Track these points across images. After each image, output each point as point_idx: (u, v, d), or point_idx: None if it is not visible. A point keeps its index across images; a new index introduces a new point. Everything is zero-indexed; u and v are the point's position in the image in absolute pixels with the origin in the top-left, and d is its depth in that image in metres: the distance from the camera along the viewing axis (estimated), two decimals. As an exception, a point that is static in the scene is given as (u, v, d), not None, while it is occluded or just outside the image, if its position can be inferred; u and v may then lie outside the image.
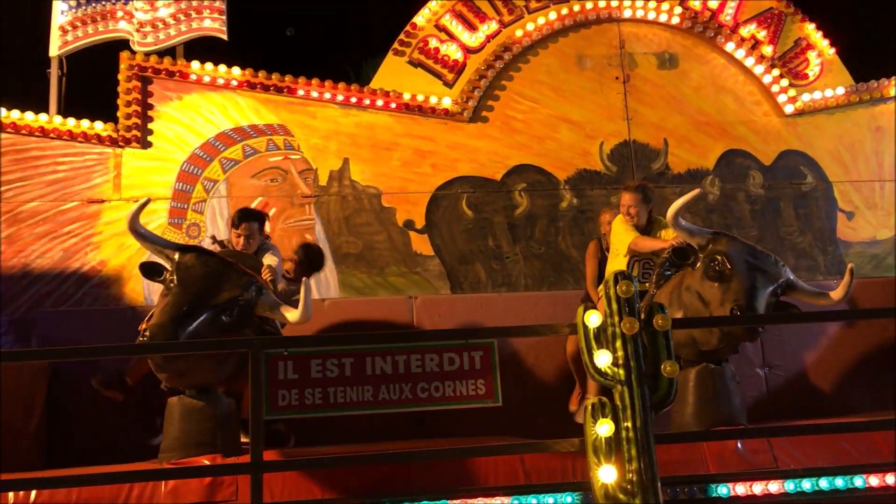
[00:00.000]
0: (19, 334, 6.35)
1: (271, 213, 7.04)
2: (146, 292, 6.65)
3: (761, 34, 7.89)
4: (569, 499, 3.47)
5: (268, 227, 5.60)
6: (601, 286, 4.48)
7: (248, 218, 5.00)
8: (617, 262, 5.11)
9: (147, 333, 3.71)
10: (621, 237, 5.10)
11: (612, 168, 7.46)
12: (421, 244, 7.18)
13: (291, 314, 4.03)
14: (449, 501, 3.47)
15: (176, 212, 6.90)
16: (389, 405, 3.32)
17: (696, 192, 4.71)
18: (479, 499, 3.51)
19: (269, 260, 4.73)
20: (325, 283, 6.95)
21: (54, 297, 6.55)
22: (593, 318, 3.34)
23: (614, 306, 3.33)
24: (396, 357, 3.31)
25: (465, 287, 7.07)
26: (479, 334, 3.48)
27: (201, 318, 3.79)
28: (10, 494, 3.40)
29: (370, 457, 3.65)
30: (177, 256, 4.03)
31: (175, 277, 3.93)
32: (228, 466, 3.56)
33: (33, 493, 3.41)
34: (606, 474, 3.19)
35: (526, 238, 7.27)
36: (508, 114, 7.51)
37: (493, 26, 7.65)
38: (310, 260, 5.39)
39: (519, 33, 7.60)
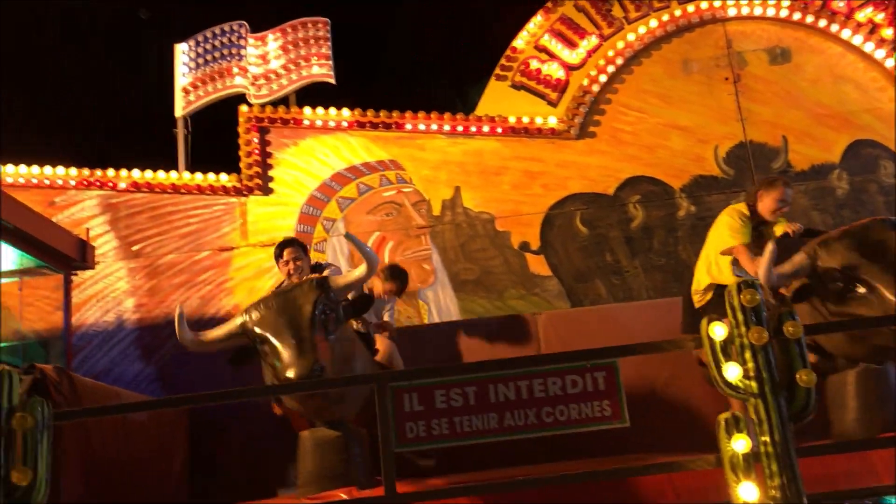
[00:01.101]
0: (166, 381, 6.75)
1: (389, 246, 7.21)
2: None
3: (879, 17, 7.47)
4: None
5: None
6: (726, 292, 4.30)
7: (288, 244, 4.95)
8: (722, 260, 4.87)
9: (290, 376, 3.70)
10: (730, 235, 4.80)
11: (729, 171, 7.23)
12: (538, 265, 7.17)
13: (359, 269, 4.05)
14: None
15: (299, 253, 7.17)
16: (515, 431, 3.31)
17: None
18: None
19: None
20: (447, 310, 7.04)
21: (194, 342, 6.91)
22: (718, 330, 3.22)
23: (740, 316, 3.21)
24: (519, 383, 3.29)
25: (585, 304, 6.98)
26: (599, 355, 3.43)
27: (311, 337, 3.84)
28: None
29: (507, 484, 3.64)
30: (242, 323, 4.00)
31: (259, 334, 3.90)
32: (364, 500, 3.64)
33: None
34: (747, 492, 3.06)
35: (644, 250, 7.13)
36: (616, 126, 7.42)
37: (593, 41, 7.60)
38: (400, 279, 5.43)
39: (620, 45, 7.52)
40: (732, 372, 3.16)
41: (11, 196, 5.24)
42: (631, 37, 7.52)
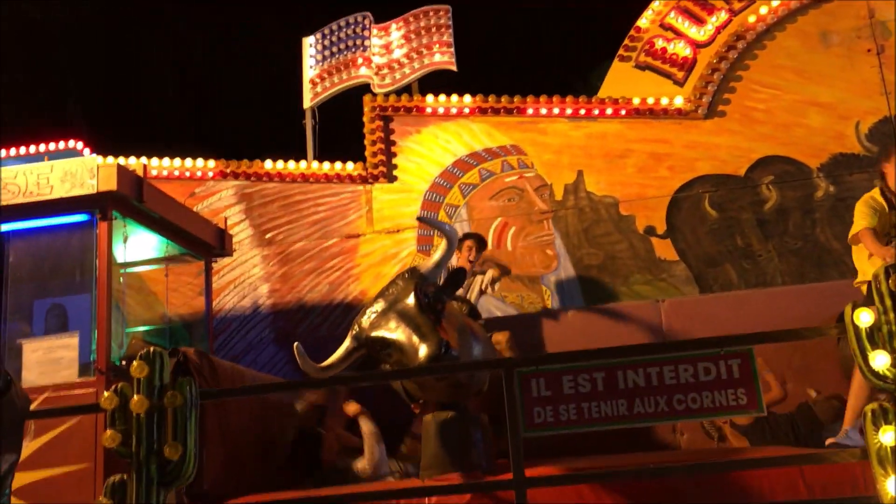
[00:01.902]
0: (297, 365, 7.00)
1: (511, 231, 7.22)
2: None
3: None
4: None
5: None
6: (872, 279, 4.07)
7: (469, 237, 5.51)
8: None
9: (423, 361, 3.79)
10: (856, 221, 4.58)
11: (872, 149, 6.79)
12: (664, 249, 6.99)
13: (440, 247, 4.14)
14: None
15: (423, 239, 7.29)
16: (645, 418, 3.26)
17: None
18: None
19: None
20: (570, 296, 6.98)
21: (325, 326, 7.18)
22: (864, 317, 3.06)
23: (888, 302, 3.04)
24: (649, 369, 3.24)
25: (715, 290, 6.76)
26: (734, 342, 3.33)
27: (426, 322, 3.83)
28: None
29: (634, 471, 3.60)
30: (356, 332, 4.06)
31: (376, 338, 3.96)
32: (493, 483, 3.69)
33: None
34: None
35: (779, 233, 6.82)
36: (747, 105, 7.11)
37: (722, 16, 7.31)
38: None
39: (752, 19, 7.19)
40: (880, 360, 3.00)
41: (157, 187, 5.57)
42: (763, 10, 7.18)
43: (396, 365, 3.96)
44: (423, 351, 3.68)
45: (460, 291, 5.22)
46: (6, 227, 5.08)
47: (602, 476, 3.62)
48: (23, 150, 8.89)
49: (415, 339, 3.77)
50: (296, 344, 4.14)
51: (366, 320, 4.04)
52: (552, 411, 3.27)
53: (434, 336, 3.73)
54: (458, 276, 4.30)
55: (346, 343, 4.12)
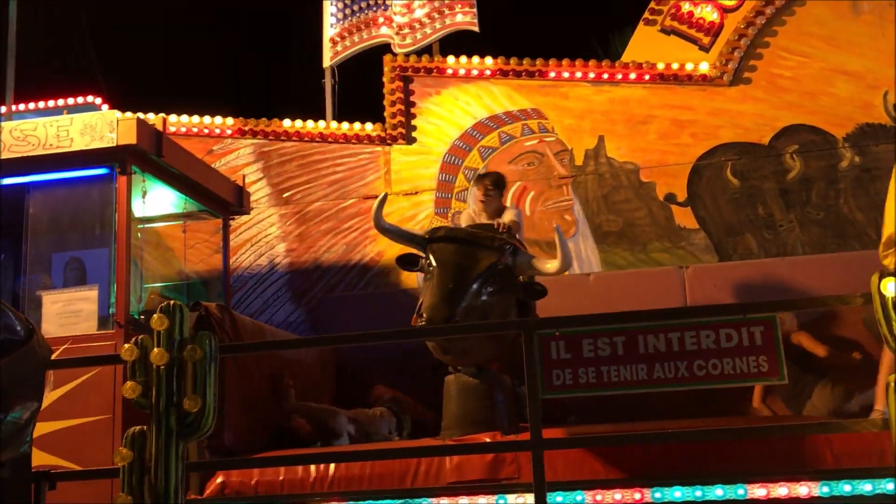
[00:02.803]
0: (314, 322, 7.06)
1: (530, 196, 7.17)
2: (420, 280, 7.07)
3: None
4: (890, 486, 3.19)
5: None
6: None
7: (486, 176, 5.20)
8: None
9: (424, 317, 3.86)
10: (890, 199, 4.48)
11: (900, 119, 6.69)
12: (684, 217, 6.93)
13: (551, 264, 4.11)
14: (748, 487, 3.32)
15: (441, 202, 7.25)
16: (665, 384, 3.25)
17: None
18: (783, 484, 3.33)
19: (507, 216, 4.83)
20: (588, 263, 6.95)
21: (341, 286, 7.19)
22: (891, 287, 3.02)
23: (916, 272, 2.99)
24: (670, 334, 3.23)
25: (734, 259, 6.70)
26: (757, 308, 3.30)
27: (469, 290, 3.91)
28: (312, 468, 3.77)
29: (654, 435, 3.60)
30: (427, 238, 4.21)
31: (432, 260, 4.08)
32: (510, 444, 3.70)
33: (332, 466, 3.75)
34: (917, 458, 2.88)
35: (801, 203, 6.74)
36: (774, 72, 6.99)
37: (751, -20, 7.15)
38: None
39: (782, -17, 7.04)
40: (907, 331, 2.96)
41: (177, 143, 5.55)
42: (794, -25, 7.03)
43: (423, 291, 4.12)
44: (425, 313, 3.76)
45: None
46: (26, 178, 5.09)
47: (619, 439, 3.62)
48: (42, 104, 8.89)
49: (437, 298, 3.84)
50: (382, 194, 4.56)
51: (440, 235, 4.20)
52: (571, 374, 3.27)
53: (450, 309, 3.83)
54: (533, 294, 4.31)
55: (416, 233, 4.42)
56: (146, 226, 5.94)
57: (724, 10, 7.17)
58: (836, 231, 6.60)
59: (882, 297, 3.04)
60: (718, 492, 3.35)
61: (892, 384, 2.98)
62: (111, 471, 3.42)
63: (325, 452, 3.98)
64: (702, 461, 3.50)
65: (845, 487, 3.31)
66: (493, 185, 5.02)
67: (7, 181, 5.05)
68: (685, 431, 3.63)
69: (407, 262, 4.29)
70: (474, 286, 3.96)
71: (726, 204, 6.87)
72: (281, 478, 3.80)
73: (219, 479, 3.85)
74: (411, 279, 7.09)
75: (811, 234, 6.66)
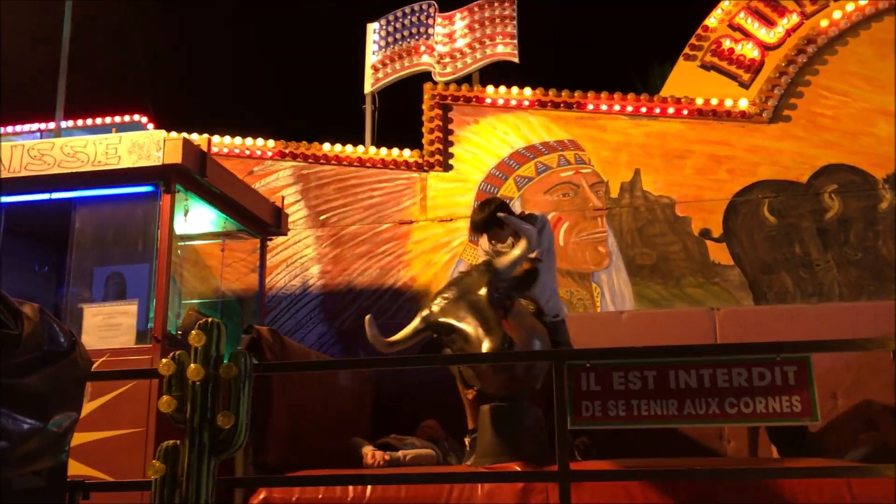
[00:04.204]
0: (346, 344, 7.12)
1: (564, 227, 7.19)
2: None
3: None
4: None
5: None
6: None
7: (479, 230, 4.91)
8: None
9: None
10: None
11: (942, 162, 6.62)
12: (719, 253, 6.90)
13: (518, 248, 4.19)
14: None
15: (475, 229, 7.29)
16: (695, 420, 3.24)
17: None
18: None
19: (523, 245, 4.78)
20: (621, 296, 6.93)
21: (373, 310, 7.21)
22: (928, 332, 3.00)
23: (954, 318, 2.97)
24: (701, 371, 3.21)
25: (769, 298, 6.65)
26: (791, 348, 3.28)
27: (494, 316, 3.92)
28: (350, 489, 3.81)
29: (679, 472, 3.57)
30: (426, 314, 4.18)
31: (444, 324, 4.07)
32: (537, 474, 3.70)
33: (368, 488, 3.79)
34: (951, 507, 2.84)
35: (839, 244, 6.68)
36: (814, 111, 6.96)
37: (793, 19, 7.16)
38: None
39: (824, 23, 7.03)
40: (942, 377, 2.93)
41: (219, 163, 5.67)
42: (837, 15, 7.02)
43: (459, 352, 4.06)
44: (485, 345, 3.81)
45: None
46: (74, 194, 5.23)
47: (646, 475, 3.60)
48: (90, 121, 9.14)
49: (480, 331, 3.88)
50: (367, 317, 4.31)
51: (436, 305, 4.17)
52: (601, 406, 3.27)
53: (498, 331, 3.83)
54: (528, 277, 4.34)
55: (415, 322, 4.26)
56: (186, 243, 6.06)
57: (766, 48, 7.18)
58: (874, 273, 6.52)
59: (917, 341, 3.02)
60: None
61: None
62: (143, 483, 3.48)
63: (362, 475, 4.01)
64: (725, 499, 3.47)
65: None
66: (484, 230, 4.85)
67: (55, 196, 5.20)
68: (711, 469, 3.60)
69: (433, 349, 4.26)
70: (493, 309, 4.00)
71: (762, 241, 6.83)
72: (320, 496, 3.84)
73: (261, 496, 3.91)
74: (443, 305, 7.13)
75: (848, 275, 6.59)
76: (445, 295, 4.20)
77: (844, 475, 3.43)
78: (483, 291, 4.06)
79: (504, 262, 4.25)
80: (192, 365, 3.41)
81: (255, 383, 4.16)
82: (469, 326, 3.95)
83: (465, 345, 3.96)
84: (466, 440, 4.51)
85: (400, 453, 4.48)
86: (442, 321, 4.10)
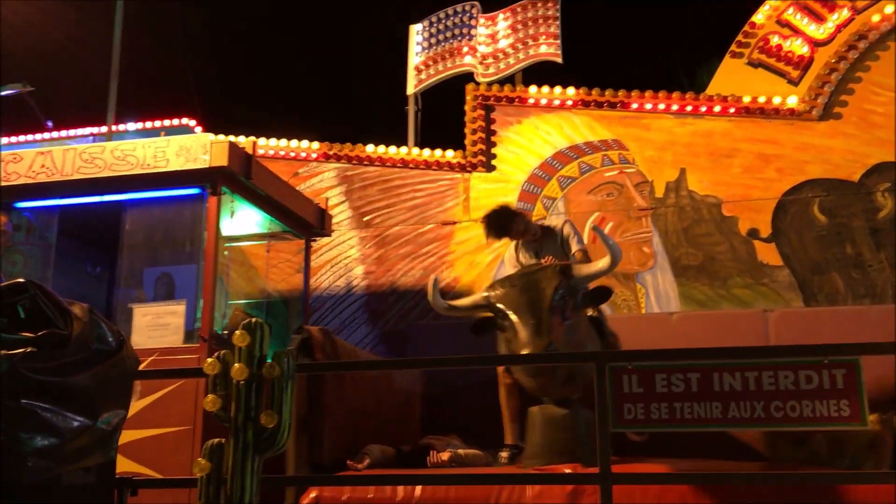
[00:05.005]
0: (390, 345, 7.16)
1: (608, 227, 7.13)
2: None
3: None
4: None
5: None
6: None
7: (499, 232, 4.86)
8: None
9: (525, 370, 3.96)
10: None
11: None
12: (767, 254, 6.77)
13: (602, 262, 4.13)
14: None
15: (518, 230, 7.27)
16: (740, 423, 3.18)
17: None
18: None
19: (573, 247, 4.78)
20: (666, 297, 6.85)
21: (416, 311, 7.27)
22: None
23: None
24: (746, 373, 3.15)
25: (819, 299, 6.51)
26: (840, 350, 3.21)
27: (550, 318, 3.96)
28: (400, 489, 3.84)
29: (722, 475, 3.53)
30: (489, 295, 4.22)
31: (501, 309, 4.12)
32: (577, 476, 3.68)
33: (418, 488, 3.82)
34: None
35: (892, 244, 6.50)
36: (866, 108, 6.80)
37: (844, 14, 7.00)
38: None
39: (876, 18, 6.86)
40: None
41: (265, 166, 5.75)
42: (889, 9, 6.84)
43: (507, 341, 4.12)
44: (525, 350, 3.84)
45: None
46: (124, 196, 5.35)
47: (689, 477, 3.56)
48: (139, 125, 9.34)
49: (528, 332, 3.94)
50: (432, 277, 4.51)
51: (501, 290, 4.21)
52: (643, 408, 3.22)
53: (544, 338, 3.86)
54: (602, 295, 4.27)
55: (477, 297, 4.34)
56: (233, 244, 6.15)
57: (815, 44, 7.03)
58: (929, 273, 6.35)
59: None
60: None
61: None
62: (190, 481, 3.55)
63: (412, 475, 4.04)
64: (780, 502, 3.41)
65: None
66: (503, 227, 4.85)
67: (106, 198, 5.32)
68: (757, 473, 3.54)
69: (481, 328, 4.29)
70: (551, 313, 4.01)
71: (812, 241, 6.69)
72: (370, 496, 3.88)
73: (312, 494, 3.96)
74: (486, 306, 7.12)
75: (902, 276, 6.42)
76: (514, 282, 4.22)
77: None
78: (549, 292, 4.07)
79: (582, 272, 4.22)
80: (237, 364, 3.47)
81: (307, 382, 4.24)
82: (521, 323, 3.99)
83: (513, 338, 4.01)
84: (503, 455, 4.44)
85: (462, 451, 4.48)
86: (500, 307, 4.14)
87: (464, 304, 4.40)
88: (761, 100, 6.94)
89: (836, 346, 3.23)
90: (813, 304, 6.49)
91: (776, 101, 6.92)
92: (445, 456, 4.30)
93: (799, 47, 7.05)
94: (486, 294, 4.27)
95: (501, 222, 4.81)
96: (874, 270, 6.51)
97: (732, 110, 7.03)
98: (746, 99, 6.97)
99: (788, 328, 5.34)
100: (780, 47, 7.11)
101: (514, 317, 4.07)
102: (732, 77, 7.23)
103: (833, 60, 6.87)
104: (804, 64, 7.02)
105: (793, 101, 6.89)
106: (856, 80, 6.86)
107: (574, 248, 4.83)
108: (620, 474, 3.45)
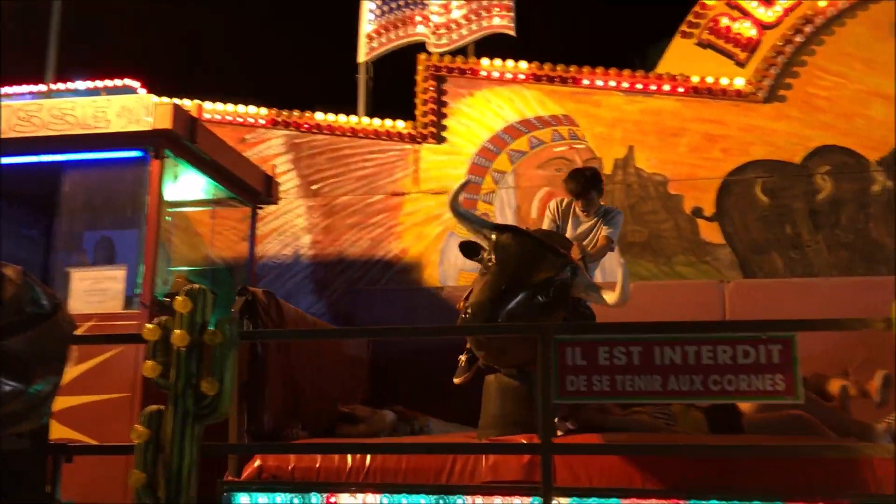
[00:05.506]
0: (336, 315, 7.11)
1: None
2: (441, 278, 7.12)
3: None
4: None
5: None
6: None
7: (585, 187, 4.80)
8: None
9: (468, 311, 3.82)
10: None
11: (934, 146, 6.61)
12: (710, 232, 6.90)
13: (609, 296, 3.99)
14: None
15: (467, 203, 7.27)
16: (678, 396, 3.25)
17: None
18: None
19: (605, 230, 4.73)
20: (612, 273, 6.92)
21: (363, 281, 7.25)
22: (914, 313, 3.00)
23: (938, 300, 2.98)
24: (687, 347, 3.21)
25: (759, 277, 6.66)
26: (776, 327, 3.29)
27: (518, 297, 3.84)
28: (349, 458, 3.80)
29: (668, 447, 3.60)
30: (494, 236, 4.04)
31: (493, 257, 3.96)
32: (518, 446, 3.71)
33: (368, 457, 3.78)
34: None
35: (830, 225, 6.68)
36: (810, 91, 6.94)
37: (792, -2, 7.11)
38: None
39: (822, 3, 6.98)
40: (925, 358, 2.94)
41: (210, 130, 5.62)
42: (835, -6, 6.97)
43: (476, 284, 4.04)
44: (470, 309, 3.74)
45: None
46: (62, 157, 5.19)
47: (627, 449, 3.62)
48: (80, 84, 9.05)
49: (487, 296, 3.79)
50: (465, 178, 4.64)
51: (507, 238, 4.03)
52: (586, 381, 3.26)
53: (498, 310, 3.76)
54: (580, 317, 4.20)
55: (485, 225, 4.18)
56: (176, 210, 6.02)
57: (763, 27, 7.13)
58: (864, 255, 6.54)
59: (902, 322, 3.02)
60: (756, 507, 3.31)
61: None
62: (127, 447, 3.48)
63: (361, 443, 4.01)
64: (735, 476, 3.48)
65: (885, 513, 3.27)
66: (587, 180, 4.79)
67: (43, 158, 5.15)
68: (705, 446, 3.62)
69: (469, 250, 4.15)
70: (525, 294, 3.87)
71: (754, 221, 6.83)
72: (318, 465, 3.83)
73: (256, 463, 3.91)
74: (433, 280, 7.13)
75: (838, 257, 6.60)
76: (521, 240, 4.03)
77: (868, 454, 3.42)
78: (540, 277, 3.91)
79: (583, 285, 4.08)
80: (178, 331, 3.41)
81: (249, 349, 4.17)
82: (493, 282, 3.86)
83: (476, 290, 3.92)
84: None
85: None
86: (492, 254, 3.97)
87: (469, 220, 4.22)
88: (709, 80, 7.03)
89: (773, 322, 3.31)
90: (752, 282, 6.64)
91: (724, 82, 7.02)
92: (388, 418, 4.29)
93: (747, 30, 7.15)
94: (493, 230, 4.09)
95: (593, 181, 4.76)
96: (812, 251, 6.69)
97: (681, 90, 7.11)
98: (695, 79, 7.05)
99: (744, 298, 5.45)
100: (728, 29, 7.19)
101: (492, 270, 3.92)
102: (682, 57, 7.30)
103: (780, 44, 6.98)
104: (752, 46, 7.12)
105: (740, 83, 6.99)
106: (801, 64, 6.99)
107: (604, 231, 4.77)
108: (561, 444, 3.50)
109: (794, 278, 6.42)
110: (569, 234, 4.85)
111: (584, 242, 4.76)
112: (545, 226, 4.94)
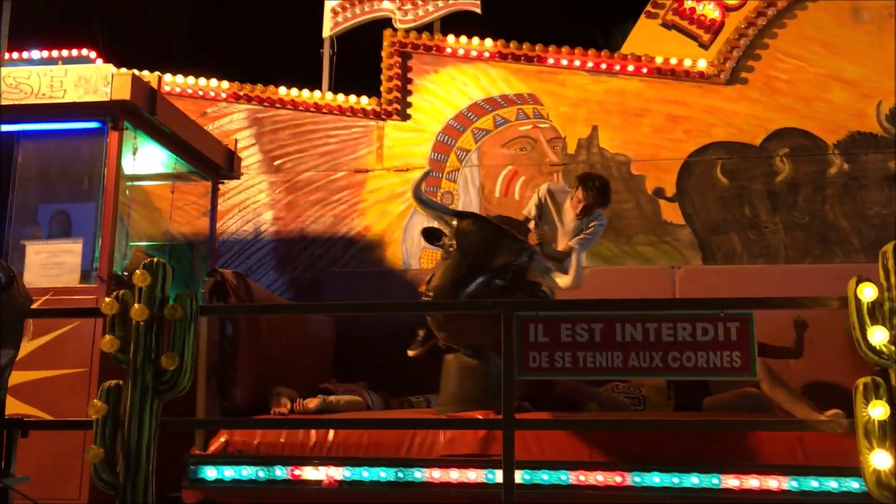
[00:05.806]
0: (298, 292, 7.07)
1: (520, 181, 7.19)
2: (404, 256, 7.11)
3: None
4: (855, 484, 3.32)
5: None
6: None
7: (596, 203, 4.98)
8: None
9: (430, 293, 3.98)
10: None
11: (890, 130, 6.74)
12: (671, 213, 6.97)
13: (562, 280, 4.13)
14: (722, 477, 3.43)
15: (431, 180, 7.26)
16: (639, 372, 3.31)
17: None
18: (754, 476, 3.44)
19: (577, 239, 4.85)
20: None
21: (326, 258, 7.20)
22: (868, 292, 3.08)
23: (893, 279, 3.06)
24: (647, 325, 3.27)
25: (718, 258, 6.77)
26: (735, 304, 3.35)
27: (478, 280, 3.99)
28: (312, 433, 3.84)
29: (629, 423, 3.67)
30: (455, 222, 4.19)
31: (454, 242, 4.11)
32: (483, 422, 3.75)
33: (331, 432, 3.83)
34: (880, 460, 2.95)
35: (788, 207, 6.80)
36: (771, 74, 7.02)
37: (755, -20, 7.17)
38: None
39: (785, -14, 7.05)
40: (878, 336, 3.03)
41: (171, 102, 5.52)
42: (798, -22, 7.04)
43: (437, 268, 4.19)
44: (431, 291, 3.84)
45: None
46: (16, 127, 5.06)
47: (590, 424, 3.67)
48: (35, 53, 8.81)
49: (448, 279, 3.97)
50: (427, 168, 4.86)
51: (469, 225, 4.18)
52: (548, 357, 3.31)
53: (457, 293, 3.89)
54: (519, 276, 4.27)
55: (447, 212, 4.35)
56: (135, 183, 5.92)
57: (727, 9, 7.19)
58: (820, 236, 6.67)
59: (858, 301, 3.10)
60: (694, 479, 3.48)
61: (861, 388, 3.04)
62: (84, 423, 3.44)
63: (325, 419, 4.04)
64: (682, 450, 3.58)
65: (813, 483, 3.44)
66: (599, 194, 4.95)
67: (-3, 128, 5.02)
68: (653, 421, 3.70)
69: (431, 235, 4.32)
70: (484, 277, 4.03)
71: (714, 202, 6.92)
72: (282, 440, 3.88)
73: (222, 438, 3.93)
74: (396, 258, 7.12)
75: (795, 238, 6.73)
76: (483, 226, 4.19)
77: (794, 429, 3.55)
78: (499, 261, 4.08)
79: (538, 270, 4.20)
80: (136, 305, 3.37)
81: (218, 327, 4.17)
82: (454, 265, 4.02)
83: (437, 273, 4.07)
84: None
85: (334, 398, 4.50)
86: (454, 239, 4.13)
87: (432, 206, 4.40)
88: (673, 61, 7.07)
89: (731, 300, 3.37)
90: (711, 262, 6.74)
91: (687, 63, 7.06)
92: (312, 404, 4.31)
93: (711, 11, 7.20)
94: (455, 217, 4.23)
95: (603, 196, 4.99)
96: (769, 232, 6.80)
97: (645, 70, 7.15)
98: (659, 60, 7.09)
99: (694, 284, 5.57)
100: (693, 10, 7.24)
101: (456, 255, 4.06)
102: (646, 37, 7.33)
103: (742, 26, 7.04)
104: (715, 28, 7.17)
105: (702, 65, 7.05)
106: (763, 47, 7.06)
107: (575, 241, 4.87)
108: (523, 420, 3.54)
109: (745, 265, 6.53)
110: (556, 222, 5.04)
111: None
112: (531, 205, 5.13)
